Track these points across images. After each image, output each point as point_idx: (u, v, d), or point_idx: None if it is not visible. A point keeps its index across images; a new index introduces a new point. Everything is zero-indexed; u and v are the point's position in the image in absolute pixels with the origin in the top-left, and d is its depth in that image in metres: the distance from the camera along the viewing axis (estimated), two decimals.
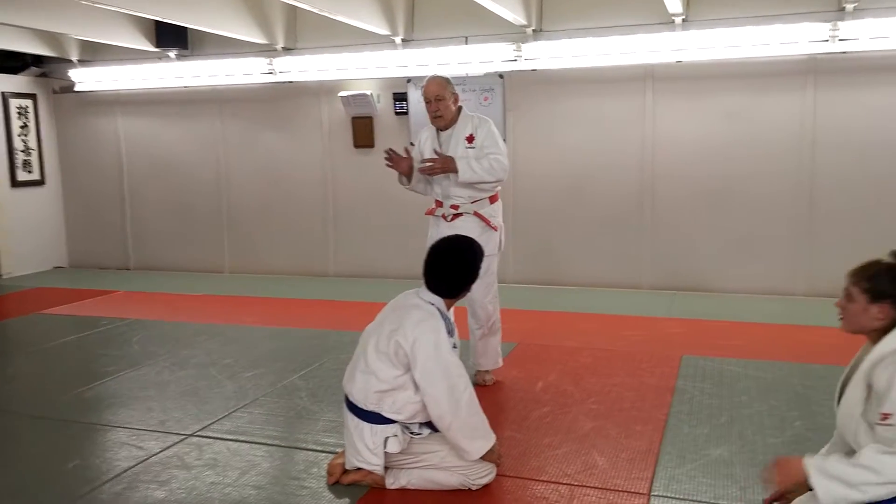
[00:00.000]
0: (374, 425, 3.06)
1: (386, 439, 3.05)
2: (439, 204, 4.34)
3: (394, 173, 4.39)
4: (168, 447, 3.65)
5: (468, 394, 3.02)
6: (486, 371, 4.41)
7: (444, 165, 4.13)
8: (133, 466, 3.44)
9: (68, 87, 8.79)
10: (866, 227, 6.42)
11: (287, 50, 7.80)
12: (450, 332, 3.08)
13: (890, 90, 6.23)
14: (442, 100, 4.17)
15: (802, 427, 3.64)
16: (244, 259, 8.53)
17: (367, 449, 3.06)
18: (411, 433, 3.10)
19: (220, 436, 3.77)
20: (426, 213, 4.48)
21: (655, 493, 3.02)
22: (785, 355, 4.81)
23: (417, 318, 3.05)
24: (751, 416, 3.81)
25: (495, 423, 3.79)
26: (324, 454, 3.50)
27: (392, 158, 4.24)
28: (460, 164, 4.10)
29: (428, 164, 4.17)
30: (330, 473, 3.22)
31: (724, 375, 4.44)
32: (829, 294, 6.48)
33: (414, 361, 2.97)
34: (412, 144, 4.17)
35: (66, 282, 8.39)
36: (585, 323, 5.89)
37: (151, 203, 8.84)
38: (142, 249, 8.97)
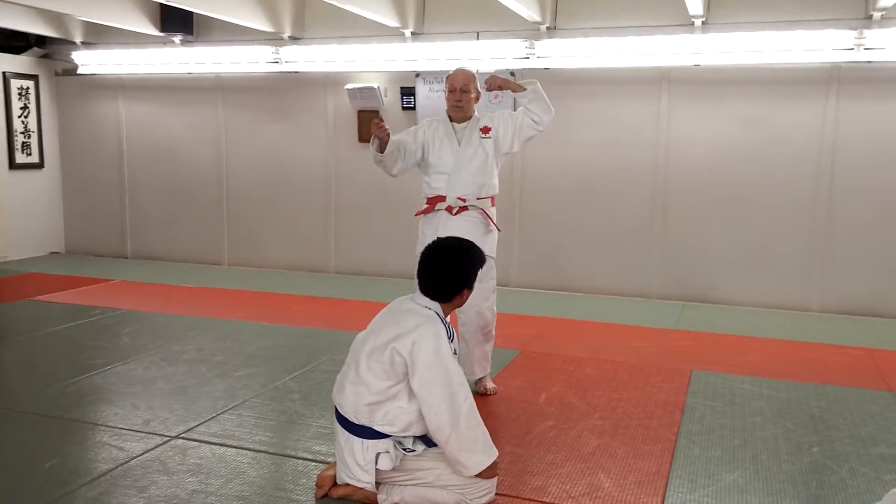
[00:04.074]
0: (365, 440, 2.87)
1: (377, 455, 2.86)
2: (440, 199, 4.14)
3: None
4: (150, 449, 3.46)
5: (468, 404, 2.82)
6: (482, 378, 4.22)
7: (506, 81, 4.09)
8: (112, 469, 3.26)
9: (71, 70, 8.62)
10: (884, 243, 6.23)
11: (294, 39, 7.61)
12: (450, 338, 2.89)
13: None
14: (467, 91, 4.08)
15: (820, 454, 3.44)
16: (244, 251, 8.35)
17: (357, 465, 2.87)
18: (404, 449, 2.91)
19: (205, 439, 3.59)
20: (417, 214, 4.27)
21: None
22: (799, 374, 4.62)
23: (416, 323, 2.85)
24: (765, 438, 3.62)
25: (495, 437, 3.58)
26: (314, 464, 3.31)
27: (380, 125, 3.99)
28: (526, 83, 4.05)
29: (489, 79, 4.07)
30: (319, 486, 3.03)
31: (736, 394, 4.25)
32: (843, 311, 6.36)
33: (413, 368, 2.78)
34: (380, 117, 3.98)
35: (61, 268, 8.22)
36: (591, 332, 5.69)
37: (151, 191, 8.67)
38: (140, 237, 8.80)
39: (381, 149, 4.00)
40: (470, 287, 3.02)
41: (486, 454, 2.85)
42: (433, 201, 4.15)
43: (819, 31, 5.97)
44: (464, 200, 4.08)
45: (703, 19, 6.34)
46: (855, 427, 3.78)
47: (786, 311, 6.42)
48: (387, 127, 3.96)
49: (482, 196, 4.12)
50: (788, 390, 4.31)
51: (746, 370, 4.69)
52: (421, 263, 3.01)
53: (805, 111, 6.33)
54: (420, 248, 4.20)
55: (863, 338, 5.57)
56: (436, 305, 2.94)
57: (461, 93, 4.08)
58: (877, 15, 5.91)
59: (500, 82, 4.05)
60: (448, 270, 2.95)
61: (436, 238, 3.15)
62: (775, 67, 6.27)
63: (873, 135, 6.17)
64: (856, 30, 5.88)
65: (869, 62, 5.99)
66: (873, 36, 5.85)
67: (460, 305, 3.08)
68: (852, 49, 5.92)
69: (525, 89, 4.03)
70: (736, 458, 3.40)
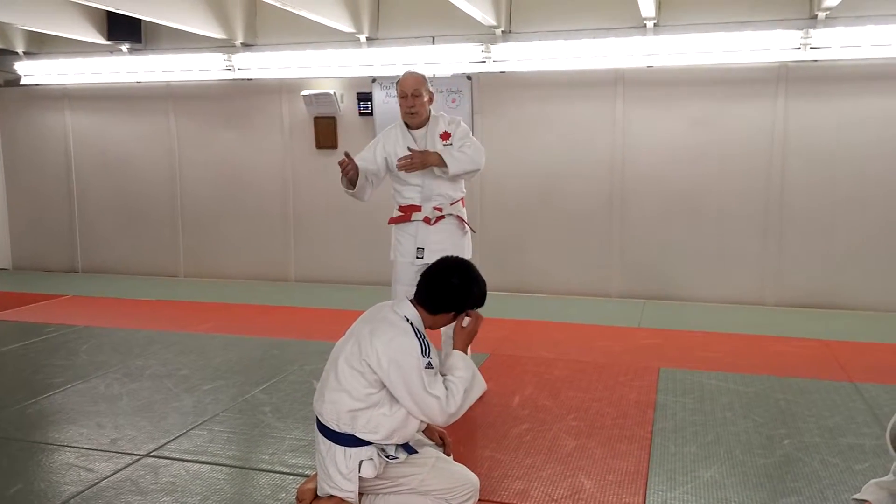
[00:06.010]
0: (347, 448, 2.82)
1: (360, 463, 2.82)
2: (416, 208, 4.13)
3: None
4: (120, 469, 3.37)
5: (445, 416, 2.78)
6: None
7: (424, 160, 3.95)
8: (82, 492, 3.15)
9: (14, 81, 8.35)
10: (834, 237, 6.41)
11: (246, 46, 7.51)
12: (425, 352, 2.84)
13: (860, 99, 6.21)
14: (419, 96, 4.04)
15: (791, 447, 3.52)
16: (200, 263, 8.19)
17: (339, 474, 2.83)
18: (387, 457, 2.88)
19: (177, 456, 3.50)
20: (391, 222, 4.25)
21: None
22: (762, 368, 4.72)
23: (389, 336, 2.80)
24: (737, 433, 3.68)
25: (474, 441, 3.62)
26: (292, 477, 3.26)
27: (347, 162, 3.96)
28: (446, 158, 3.94)
29: (406, 160, 3.95)
30: (299, 500, 2.98)
31: (705, 389, 4.32)
32: (796, 304, 6.52)
33: (387, 381, 2.76)
34: (346, 154, 3.94)
35: (9, 285, 7.95)
36: (557, 332, 5.73)
37: (101, 203, 8.45)
38: (91, 251, 8.57)
39: (351, 184, 4.00)
40: (457, 314, 2.98)
41: (479, 388, 2.94)
42: (407, 210, 4.15)
43: (767, 31, 6.12)
44: (440, 210, 4.10)
45: (655, 21, 6.45)
46: (821, 418, 3.87)
47: (742, 306, 6.56)
48: (355, 163, 3.95)
49: (455, 201, 4.15)
50: (754, 384, 4.40)
51: (712, 365, 4.77)
52: (429, 272, 2.96)
53: (755, 109, 6.48)
54: (394, 255, 4.21)
55: (817, 330, 5.72)
56: (415, 317, 2.89)
57: (413, 98, 4.03)
58: (821, 15, 6.08)
59: (418, 167, 3.95)
60: (455, 289, 2.90)
61: (451, 255, 3.11)
62: (725, 67, 6.40)
63: (820, 131, 6.35)
64: (802, 30, 6.04)
65: (815, 61, 6.17)
66: (819, 35, 6.02)
67: (437, 327, 3.02)
68: (799, 48, 6.08)
69: (446, 165, 3.95)
70: (711, 453, 3.46)
